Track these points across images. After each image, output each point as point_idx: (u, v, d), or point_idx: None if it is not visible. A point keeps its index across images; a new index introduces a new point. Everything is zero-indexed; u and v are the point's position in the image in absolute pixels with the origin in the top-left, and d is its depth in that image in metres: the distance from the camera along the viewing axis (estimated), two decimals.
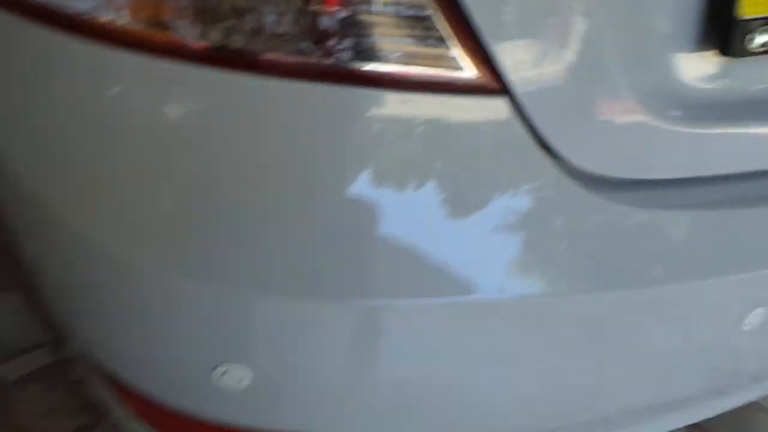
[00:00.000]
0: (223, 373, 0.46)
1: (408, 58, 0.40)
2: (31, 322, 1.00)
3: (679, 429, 0.74)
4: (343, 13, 0.38)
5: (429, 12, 0.38)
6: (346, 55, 0.39)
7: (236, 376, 0.46)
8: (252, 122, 0.41)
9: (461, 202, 0.43)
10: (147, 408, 0.56)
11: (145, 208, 0.43)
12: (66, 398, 0.93)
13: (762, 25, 0.44)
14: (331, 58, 0.39)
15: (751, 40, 0.45)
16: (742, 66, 0.48)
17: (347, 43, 0.38)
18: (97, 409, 0.84)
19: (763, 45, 0.45)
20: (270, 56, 0.39)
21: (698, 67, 0.47)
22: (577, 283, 0.47)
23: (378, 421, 0.52)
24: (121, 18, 0.40)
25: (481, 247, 0.44)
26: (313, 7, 0.38)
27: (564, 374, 0.52)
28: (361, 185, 0.41)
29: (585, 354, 0.52)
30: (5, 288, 1.02)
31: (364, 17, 0.38)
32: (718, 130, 0.49)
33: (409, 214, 0.42)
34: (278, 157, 0.41)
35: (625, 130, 0.45)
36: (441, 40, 0.39)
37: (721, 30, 0.44)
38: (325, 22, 0.38)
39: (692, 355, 0.57)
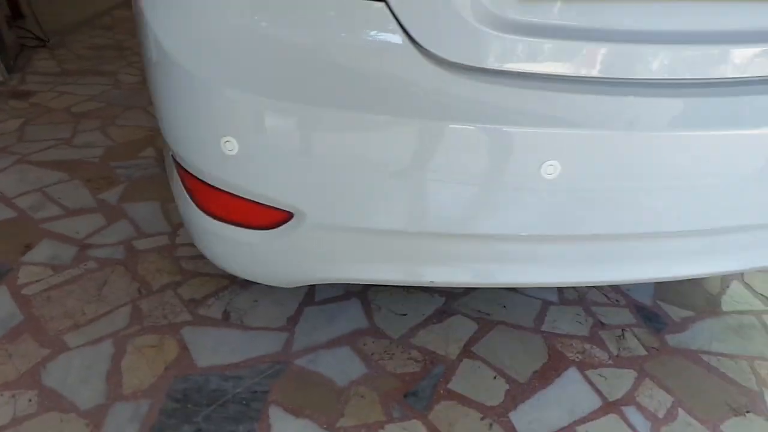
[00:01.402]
0: (225, 143, 0.76)
1: None
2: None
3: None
4: None
5: None
6: None
7: (230, 146, 0.76)
8: None
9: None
10: (187, 177, 0.88)
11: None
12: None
13: None
14: None
15: None
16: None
17: None
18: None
19: None
20: None
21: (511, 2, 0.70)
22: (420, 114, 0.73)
23: (309, 189, 0.80)
24: None
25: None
26: None
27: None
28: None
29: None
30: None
31: None
32: (524, 41, 0.71)
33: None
34: None
35: (459, 33, 0.69)
36: None
37: None
38: None
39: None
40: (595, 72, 0.72)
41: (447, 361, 1.23)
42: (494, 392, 1.17)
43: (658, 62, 0.73)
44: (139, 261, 1.46)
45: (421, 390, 1.16)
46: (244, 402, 1.10)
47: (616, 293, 1.47)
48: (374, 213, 0.80)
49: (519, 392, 1.17)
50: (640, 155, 0.77)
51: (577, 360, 1.26)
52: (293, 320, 1.32)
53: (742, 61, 0.74)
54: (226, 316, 1.31)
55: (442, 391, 1.16)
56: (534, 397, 1.16)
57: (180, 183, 0.92)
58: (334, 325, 1.31)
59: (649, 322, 1.38)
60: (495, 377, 1.20)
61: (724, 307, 1.44)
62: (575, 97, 0.72)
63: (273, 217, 0.82)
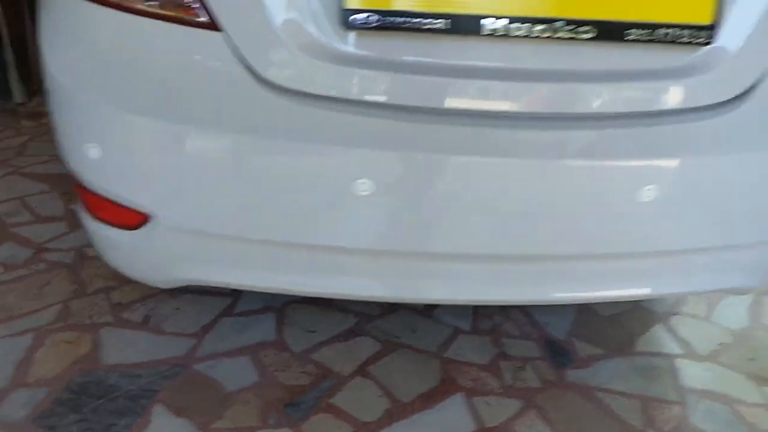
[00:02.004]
0: (89, 148, 0.88)
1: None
2: None
3: None
4: None
5: None
6: None
7: (93, 151, 0.88)
8: None
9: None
10: (74, 181, 1.00)
11: None
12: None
13: (357, 13, 0.78)
14: None
15: (354, 21, 0.78)
16: (355, 35, 0.80)
17: None
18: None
19: (361, 25, 0.78)
20: None
21: (334, 34, 0.79)
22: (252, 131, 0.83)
23: (157, 193, 0.90)
24: None
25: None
26: None
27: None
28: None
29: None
30: None
31: None
32: (346, 71, 0.80)
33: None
34: None
35: (286, 61, 0.79)
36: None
37: (340, 13, 0.78)
38: None
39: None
40: (409, 101, 0.80)
41: (339, 377, 1.28)
42: (374, 409, 1.20)
43: (465, 94, 0.80)
44: (84, 266, 1.59)
45: (304, 402, 1.21)
46: (133, 398, 1.18)
47: (532, 327, 1.48)
48: (217, 219, 0.88)
49: (398, 411, 1.20)
50: (457, 181, 0.83)
51: (467, 386, 1.28)
52: (207, 328, 1.40)
53: (537, 97, 0.80)
54: (146, 320, 1.40)
55: (323, 404, 1.20)
56: (411, 417, 1.19)
57: None
58: (243, 336, 1.38)
59: (555, 356, 1.38)
60: (380, 396, 1.24)
61: (638, 348, 1.43)
62: (396, 123, 0.80)
63: (135, 218, 0.92)
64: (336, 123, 0.80)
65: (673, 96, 0.83)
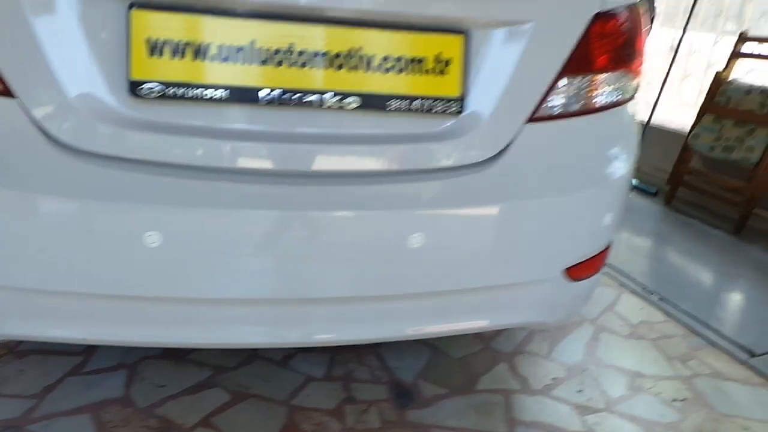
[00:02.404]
0: None
1: None
2: None
3: None
4: None
5: None
6: None
7: None
8: None
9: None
10: None
11: None
12: None
13: (142, 83, 0.88)
14: None
15: (140, 90, 0.88)
16: (141, 102, 0.89)
17: None
18: None
19: (146, 94, 0.88)
20: None
21: (122, 101, 0.89)
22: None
23: None
24: None
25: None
26: None
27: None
28: None
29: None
30: None
31: None
32: (134, 135, 0.88)
33: None
34: None
35: (84, 129, 0.86)
36: None
37: (128, 83, 0.87)
38: None
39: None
40: (191, 161, 0.89)
41: (180, 430, 1.29)
42: None
43: (239, 155, 0.91)
44: None
45: None
46: None
47: (383, 371, 1.56)
48: (27, 275, 0.91)
49: None
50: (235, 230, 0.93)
51: (309, 430, 1.32)
52: (50, 388, 1.37)
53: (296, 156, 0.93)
54: None
55: None
56: None
57: None
58: (88, 394, 1.37)
59: (399, 398, 1.46)
60: None
61: (479, 386, 1.53)
62: (179, 181, 0.89)
63: None
64: (127, 181, 0.87)
65: (435, 157, 0.98)
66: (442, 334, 1.26)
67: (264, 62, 0.88)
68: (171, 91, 0.86)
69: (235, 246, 0.92)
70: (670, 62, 3.36)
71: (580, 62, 1.04)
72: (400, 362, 1.60)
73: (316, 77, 0.91)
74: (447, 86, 0.97)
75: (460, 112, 0.99)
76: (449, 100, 0.97)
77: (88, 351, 1.52)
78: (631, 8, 1.10)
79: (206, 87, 0.87)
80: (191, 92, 0.87)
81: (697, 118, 3.04)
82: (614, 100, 1.11)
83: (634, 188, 3.43)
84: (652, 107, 3.45)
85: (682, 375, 1.66)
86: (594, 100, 1.09)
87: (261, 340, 1.10)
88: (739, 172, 2.91)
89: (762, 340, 1.87)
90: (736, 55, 2.96)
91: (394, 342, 1.69)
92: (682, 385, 1.61)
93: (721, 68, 3.02)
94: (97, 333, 1.01)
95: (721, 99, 2.93)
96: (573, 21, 1.01)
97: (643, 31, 1.15)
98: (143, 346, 1.50)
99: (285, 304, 1.02)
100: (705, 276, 2.35)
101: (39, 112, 0.84)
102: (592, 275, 1.22)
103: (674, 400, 1.55)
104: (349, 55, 0.91)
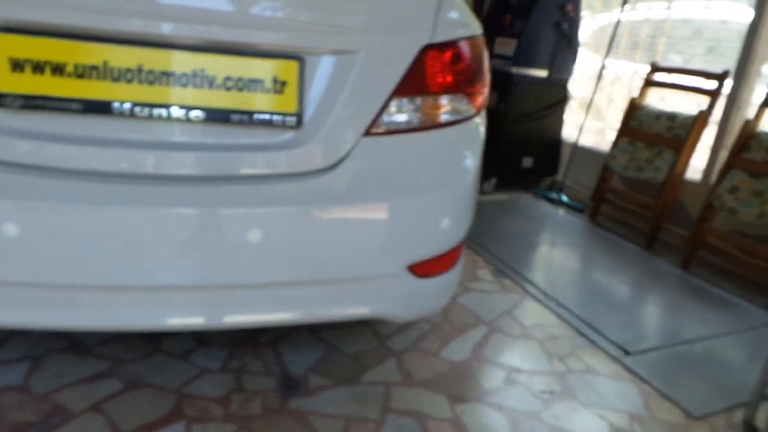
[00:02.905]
0: None
1: None
2: None
3: None
4: None
5: None
6: None
7: None
8: None
9: None
10: None
11: None
12: None
13: (4, 96, 1.01)
14: None
15: (4, 101, 1.01)
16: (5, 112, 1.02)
17: None
18: None
19: (9, 105, 1.01)
20: None
21: None
22: None
23: None
24: None
25: None
26: None
27: None
28: None
29: None
30: None
31: None
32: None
33: None
34: None
35: None
36: None
37: None
38: None
39: None
40: (49, 163, 1.03)
41: (70, 414, 1.39)
42: None
43: (94, 159, 1.05)
44: None
45: None
46: None
47: (276, 365, 1.68)
48: None
49: None
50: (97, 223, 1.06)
51: (193, 416, 1.43)
52: None
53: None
54: None
55: None
56: None
57: None
58: None
59: (286, 389, 1.58)
60: (103, 428, 1.36)
61: (364, 379, 1.66)
62: (40, 180, 1.02)
63: None
64: None
65: (277, 164, 1.13)
66: (297, 322, 1.38)
67: (116, 79, 1.02)
68: (30, 102, 1.00)
69: (83, 236, 1.05)
70: (593, 88, 3.59)
71: (412, 86, 1.20)
72: (295, 357, 1.73)
73: (164, 93, 1.06)
74: (285, 103, 1.13)
75: (298, 126, 1.14)
76: (287, 115, 1.13)
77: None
78: (466, 40, 1.27)
79: (64, 100, 1.01)
80: (51, 104, 1.01)
81: (615, 140, 3.25)
82: (450, 119, 1.28)
83: (564, 205, 3.63)
84: (579, 129, 3.68)
85: (558, 371, 1.81)
86: (428, 119, 1.25)
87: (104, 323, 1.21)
88: (650, 190, 3.12)
89: (639, 340, 2.03)
90: (648, 83, 3.20)
91: (293, 338, 1.82)
92: (554, 380, 1.76)
93: (636, 95, 3.25)
94: None
95: (635, 123, 3.16)
96: (402, 51, 1.18)
97: (479, 59, 1.32)
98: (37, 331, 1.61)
99: (135, 291, 1.14)
100: (607, 285, 2.53)
101: None
102: (441, 273, 1.37)
103: (543, 392, 1.69)
104: (194, 74, 1.06)
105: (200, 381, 1.57)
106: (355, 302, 1.31)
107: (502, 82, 3.60)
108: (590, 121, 3.84)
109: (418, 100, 1.23)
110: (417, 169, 1.25)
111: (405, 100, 1.21)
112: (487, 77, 1.39)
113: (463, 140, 1.34)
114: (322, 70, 1.14)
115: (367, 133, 1.18)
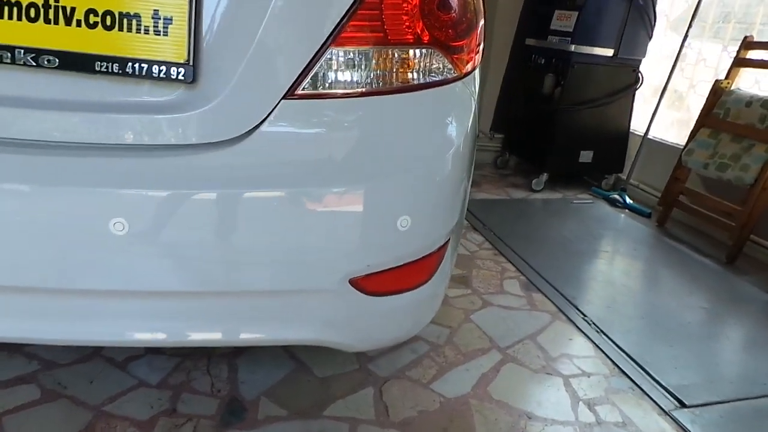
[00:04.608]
0: None
1: None
2: None
3: None
4: None
5: None
6: None
7: None
8: None
9: None
10: None
11: None
12: None
13: None
14: None
15: None
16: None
17: None
18: None
19: None
20: None
21: None
22: None
23: None
24: None
25: None
26: None
27: None
28: None
29: None
30: None
31: None
32: None
33: None
34: None
35: None
36: None
37: None
38: None
39: None
40: None
41: None
42: None
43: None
44: None
45: None
46: None
47: (226, 383, 1.39)
48: None
49: None
50: None
51: None
52: None
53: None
54: None
55: None
56: None
57: None
58: None
59: (230, 415, 1.29)
60: None
61: (327, 412, 1.34)
62: None
63: None
64: None
65: (162, 131, 0.82)
66: (201, 344, 1.09)
67: None
68: None
69: None
70: (670, 70, 3.02)
71: (359, 31, 0.85)
72: (251, 375, 1.43)
73: (5, 29, 0.78)
74: (170, 49, 0.81)
75: (191, 81, 0.83)
76: (173, 65, 0.81)
77: None
78: None
79: None
80: None
81: (693, 131, 2.69)
82: (418, 81, 0.91)
83: (627, 207, 3.09)
84: (650, 119, 3.12)
85: (584, 422, 1.39)
86: (383, 80, 0.90)
87: None
88: (735, 194, 2.54)
89: (701, 388, 1.56)
90: (739, 62, 2.61)
91: (258, 351, 1.52)
92: None
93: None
94: None
95: (719, 111, 2.58)
96: None
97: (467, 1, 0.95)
98: None
99: None
100: (670, 310, 2.03)
101: None
102: (403, 290, 1.01)
103: None
104: (46, 4, 0.77)
105: (130, 397, 1.32)
106: (284, 324, 0.99)
107: (559, 63, 3.11)
108: (666, 110, 3.26)
109: (370, 53, 0.88)
110: (362, 146, 0.90)
111: (348, 51, 0.87)
112: (480, 27, 1.01)
113: (438, 111, 0.97)
114: (224, 2, 0.82)
115: (290, 93, 0.85)
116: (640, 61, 3.21)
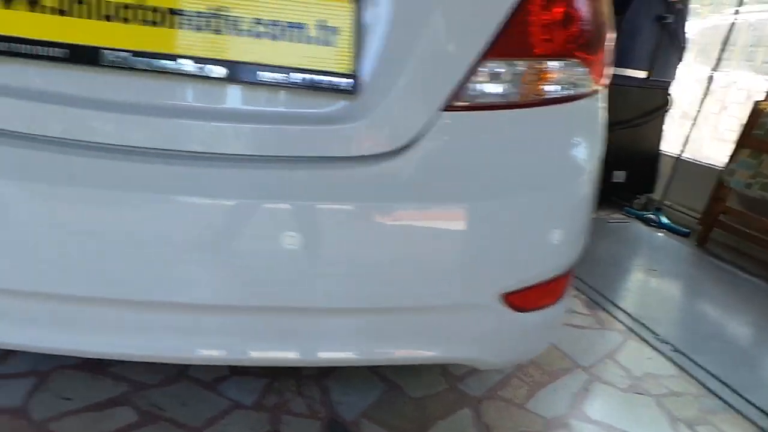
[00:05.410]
0: None
1: None
2: None
3: None
4: None
5: None
6: None
7: None
8: None
9: None
10: None
11: None
12: None
13: None
14: None
15: None
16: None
17: None
18: None
19: None
20: None
21: None
22: None
23: None
24: None
25: None
26: None
27: None
28: None
29: None
30: None
31: None
32: None
33: None
34: None
35: None
36: None
37: None
38: None
39: None
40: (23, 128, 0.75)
41: None
42: None
43: (81, 123, 0.76)
44: None
45: None
46: None
47: (322, 405, 1.35)
48: None
49: None
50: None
51: None
52: None
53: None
54: None
55: None
56: None
57: None
58: None
59: None
60: None
61: None
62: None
63: None
64: None
65: (322, 143, 0.80)
66: (345, 363, 1.06)
67: (108, 17, 0.74)
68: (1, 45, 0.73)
69: (59, 231, 0.76)
70: (703, 92, 3.08)
71: (511, 43, 0.84)
72: (346, 397, 1.39)
73: (172, 39, 0.76)
74: (335, 60, 0.80)
75: (353, 91, 0.81)
76: (338, 76, 0.80)
77: (6, 354, 1.39)
78: None
79: (40, 43, 0.73)
80: (23, 48, 0.73)
81: (733, 152, 2.73)
82: (561, 93, 0.91)
83: (664, 227, 3.11)
84: (684, 141, 3.16)
85: None
86: (531, 92, 0.89)
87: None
88: None
89: None
90: None
91: (344, 372, 1.48)
92: None
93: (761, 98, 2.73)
94: None
95: (760, 132, 2.63)
96: None
97: (601, 12, 0.95)
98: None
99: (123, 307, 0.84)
100: (732, 329, 2.03)
101: None
102: (545, 306, 0.99)
103: None
104: (212, 14, 0.75)
105: (229, 419, 1.27)
106: (425, 342, 0.95)
107: None
108: (697, 131, 3.32)
109: (519, 65, 0.88)
110: (517, 159, 0.89)
111: (501, 64, 0.86)
112: (609, 39, 1.01)
113: (581, 124, 0.97)
114: (387, 13, 0.81)
115: (448, 106, 0.84)
116: (670, 83, 3.28)
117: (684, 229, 3.03)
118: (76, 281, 0.81)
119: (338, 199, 0.81)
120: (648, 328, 1.92)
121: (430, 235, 0.85)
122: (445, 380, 1.51)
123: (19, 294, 0.82)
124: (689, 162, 3.25)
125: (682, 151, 3.18)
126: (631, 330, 1.91)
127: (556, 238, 0.94)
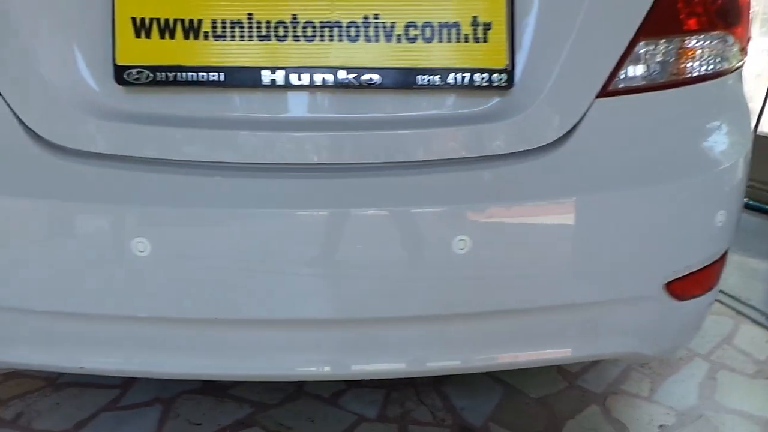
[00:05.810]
0: None
1: None
2: None
3: None
4: None
5: None
6: None
7: None
8: None
9: None
10: None
11: None
12: None
13: (129, 69, 0.75)
14: None
15: (128, 77, 0.75)
16: (129, 90, 0.77)
17: None
18: None
19: (134, 81, 0.76)
20: None
21: (108, 90, 0.77)
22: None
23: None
24: None
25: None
26: None
27: None
28: None
29: None
30: None
31: None
32: (122, 128, 0.76)
33: None
34: None
35: (68, 124, 0.75)
36: None
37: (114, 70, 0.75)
38: None
39: None
40: (186, 156, 0.77)
41: None
42: None
43: (245, 146, 0.77)
44: None
45: None
46: None
47: (447, 412, 1.32)
48: (17, 292, 0.81)
49: None
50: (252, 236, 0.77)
51: None
52: (81, 424, 1.27)
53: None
54: (17, 417, 1.29)
55: None
56: None
57: None
58: (119, 431, 1.25)
59: None
60: None
61: None
62: (175, 177, 0.76)
63: None
64: (117, 181, 0.75)
65: (483, 142, 0.78)
66: (514, 365, 1.03)
67: (264, 38, 0.74)
68: (161, 76, 0.74)
69: (240, 253, 0.76)
70: None
71: (663, 19, 0.81)
72: (467, 402, 1.36)
73: (328, 52, 0.76)
74: (490, 56, 0.78)
75: (509, 86, 0.79)
76: (493, 72, 0.78)
77: (127, 383, 1.41)
78: None
79: (200, 70, 0.74)
80: (183, 77, 0.74)
81: None
82: (713, 69, 0.87)
83: (747, 207, 2.97)
84: (758, 113, 3.03)
85: None
86: (685, 70, 0.85)
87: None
88: None
89: None
90: None
91: (458, 378, 1.46)
92: None
93: None
94: (102, 362, 0.88)
95: None
96: None
97: None
98: (168, 378, 1.38)
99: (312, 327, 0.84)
100: None
101: (21, 109, 0.74)
102: (703, 294, 0.94)
103: None
104: (365, 23, 0.75)
105: None
106: (585, 338, 0.92)
107: None
108: None
109: (672, 42, 0.84)
110: (673, 141, 0.86)
111: (653, 43, 0.83)
112: (750, 9, 0.97)
113: (731, 99, 0.93)
114: (538, 1, 0.79)
115: (603, 91, 0.81)
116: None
117: (766, 207, 2.89)
118: (213, 305, 0.81)
119: (497, 199, 0.79)
120: (759, 311, 1.83)
121: (593, 227, 0.82)
122: (563, 378, 1.46)
123: (152, 321, 0.83)
124: (765, 137, 3.10)
125: (758, 124, 3.04)
126: (741, 313, 1.82)
127: (719, 220, 0.89)
